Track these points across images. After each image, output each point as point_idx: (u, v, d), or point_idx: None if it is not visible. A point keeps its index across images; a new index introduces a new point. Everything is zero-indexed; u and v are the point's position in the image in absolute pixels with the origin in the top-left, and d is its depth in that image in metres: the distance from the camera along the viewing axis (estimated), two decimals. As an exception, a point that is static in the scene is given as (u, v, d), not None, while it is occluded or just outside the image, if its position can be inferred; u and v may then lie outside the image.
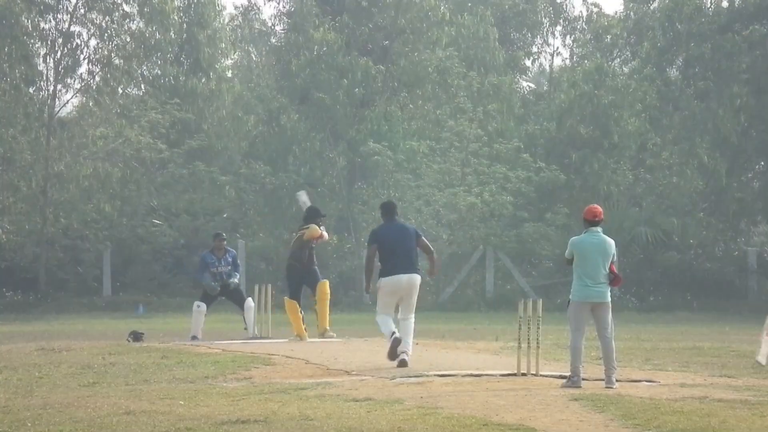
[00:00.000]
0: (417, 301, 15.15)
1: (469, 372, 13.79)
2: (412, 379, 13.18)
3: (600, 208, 13.28)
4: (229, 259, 20.35)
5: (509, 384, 12.89)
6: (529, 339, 13.76)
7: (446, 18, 40.73)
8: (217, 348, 17.59)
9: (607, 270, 12.93)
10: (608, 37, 44.98)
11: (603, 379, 12.95)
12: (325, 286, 19.23)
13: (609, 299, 12.98)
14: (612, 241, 13.12)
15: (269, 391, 12.23)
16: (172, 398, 11.71)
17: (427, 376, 13.47)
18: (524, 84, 47.77)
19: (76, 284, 37.33)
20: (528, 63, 49.29)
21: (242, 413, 10.53)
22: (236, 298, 20.39)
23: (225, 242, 20.67)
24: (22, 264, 37.40)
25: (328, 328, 19.17)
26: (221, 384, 13.18)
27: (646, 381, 13.56)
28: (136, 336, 20.03)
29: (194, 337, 19.75)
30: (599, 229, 13.09)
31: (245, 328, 20.14)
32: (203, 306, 20.11)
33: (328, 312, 19.32)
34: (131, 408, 10.92)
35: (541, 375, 13.60)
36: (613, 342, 12.94)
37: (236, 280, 20.41)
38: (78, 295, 36.52)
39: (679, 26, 40.48)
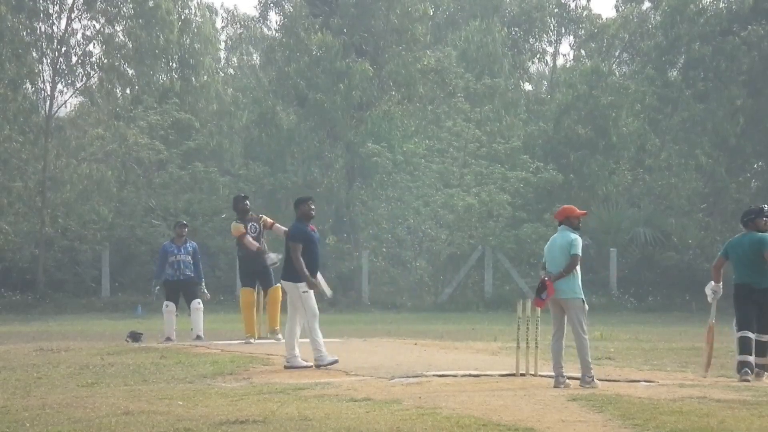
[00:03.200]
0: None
1: (467, 372, 13.78)
2: (411, 380, 13.17)
3: (568, 207, 13.27)
4: (189, 249, 20.30)
5: (508, 384, 12.89)
6: (527, 339, 13.76)
7: (428, 13, 40.68)
8: (215, 348, 17.60)
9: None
10: (606, 38, 44.93)
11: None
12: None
13: (571, 296, 12.84)
14: (569, 235, 12.99)
15: (268, 392, 12.21)
16: (171, 398, 11.70)
17: (426, 376, 13.46)
18: (527, 86, 47.88)
19: (75, 285, 37.32)
20: (531, 66, 49.37)
21: (241, 413, 10.51)
22: (188, 296, 20.23)
23: (186, 229, 20.59)
24: (21, 265, 37.40)
25: (277, 328, 18.91)
26: (220, 384, 13.17)
27: (645, 381, 13.56)
28: (135, 336, 20.03)
29: (168, 339, 19.68)
30: (563, 227, 13.10)
31: (191, 329, 20.13)
32: (172, 305, 20.04)
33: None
34: (130, 408, 10.91)
35: (539, 375, 13.59)
36: (580, 341, 12.79)
37: (195, 281, 20.24)
38: (76, 296, 36.50)
39: (681, 26, 40.44)
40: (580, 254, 12.95)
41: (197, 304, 20.05)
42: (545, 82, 50.38)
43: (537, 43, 49.17)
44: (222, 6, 45.61)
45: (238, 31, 47.72)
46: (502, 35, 43.67)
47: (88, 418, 10.47)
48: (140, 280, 37.63)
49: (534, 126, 41.27)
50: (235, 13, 48.42)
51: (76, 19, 38.55)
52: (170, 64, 41.98)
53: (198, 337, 19.73)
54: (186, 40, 41.69)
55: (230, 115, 41.89)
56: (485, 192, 37.35)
